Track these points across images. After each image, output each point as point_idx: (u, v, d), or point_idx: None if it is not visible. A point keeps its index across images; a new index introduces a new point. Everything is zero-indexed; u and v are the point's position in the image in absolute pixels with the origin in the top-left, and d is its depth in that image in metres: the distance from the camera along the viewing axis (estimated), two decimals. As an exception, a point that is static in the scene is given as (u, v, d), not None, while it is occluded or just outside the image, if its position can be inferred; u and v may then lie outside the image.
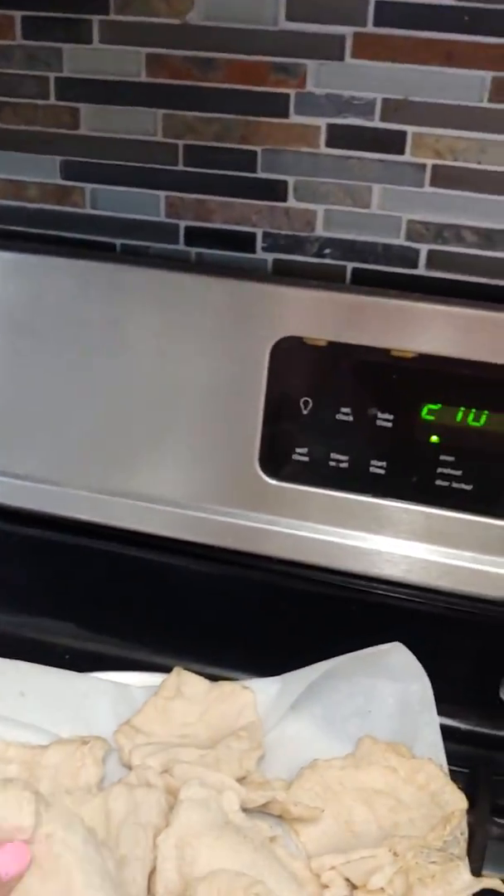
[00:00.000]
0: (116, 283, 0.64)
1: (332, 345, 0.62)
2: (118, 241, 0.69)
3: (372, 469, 0.64)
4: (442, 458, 0.62)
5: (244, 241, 0.67)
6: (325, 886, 0.52)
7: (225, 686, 0.65)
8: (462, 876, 0.51)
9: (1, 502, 0.72)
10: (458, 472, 0.62)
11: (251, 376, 0.63)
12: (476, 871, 0.52)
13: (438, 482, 0.62)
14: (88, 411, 0.67)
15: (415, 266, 0.64)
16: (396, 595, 0.66)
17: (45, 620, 0.72)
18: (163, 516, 0.68)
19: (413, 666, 0.61)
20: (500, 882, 0.51)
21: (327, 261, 0.66)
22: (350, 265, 0.65)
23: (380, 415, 0.63)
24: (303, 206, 0.65)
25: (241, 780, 0.57)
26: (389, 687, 0.62)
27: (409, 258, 0.64)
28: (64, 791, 0.55)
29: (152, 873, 0.50)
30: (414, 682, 0.61)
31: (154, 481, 0.68)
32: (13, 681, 0.63)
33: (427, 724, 0.60)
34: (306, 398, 0.63)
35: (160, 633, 0.70)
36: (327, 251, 0.65)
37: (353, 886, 0.52)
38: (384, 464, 0.63)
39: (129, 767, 0.58)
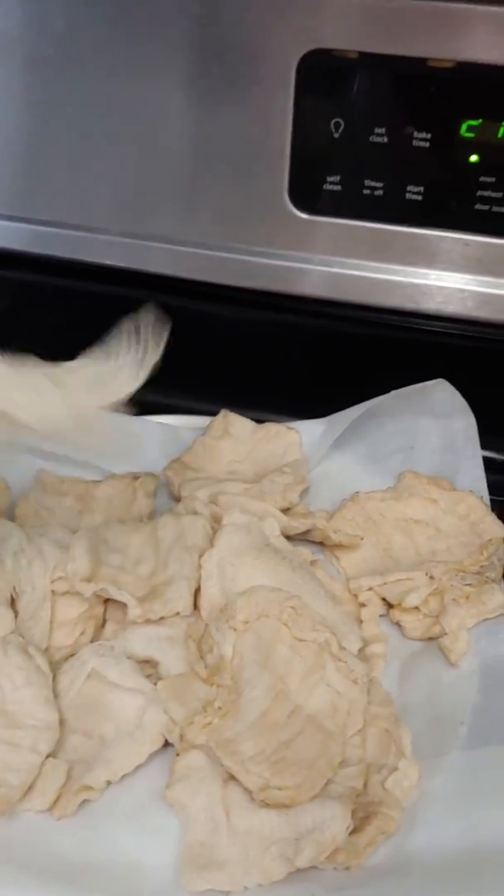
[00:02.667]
0: (126, 4, 0.58)
1: (364, 56, 0.56)
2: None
3: (408, 195, 0.59)
4: (482, 179, 0.57)
5: None
6: (362, 605, 0.55)
7: (271, 427, 0.66)
8: (496, 596, 0.53)
9: (27, 250, 0.70)
10: (499, 195, 0.57)
11: (277, 98, 0.58)
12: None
13: (478, 206, 0.58)
14: (109, 150, 0.63)
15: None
16: (438, 329, 0.64)
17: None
18: (192, 259, 0.66)
19: (457, 402, 0.61)
20: (532, 602, 0.53)
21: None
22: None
23: (416, 134, 0.57)
24: None
25: (285, 511, 0.59)
26: (433, 424, 0.62)
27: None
28: (117, 521, 0.59)
29: (198, 591, 0.53)
30: (458, 418, 0.61)
31: (181, 223, 0.65)
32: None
33: (469, 459, 0.60)
34: (337, 119, 0.58)
35: (203, 381, 0.70)
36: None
37: (389, 606, 0.55)
38: (421, 189, 0.59)
39: (179, 500, 0.61)
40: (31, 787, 0.44)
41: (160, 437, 0.66)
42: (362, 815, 0.43)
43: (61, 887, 0.41)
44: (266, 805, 0.43)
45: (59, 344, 0.72)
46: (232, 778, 0.44)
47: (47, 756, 0.45)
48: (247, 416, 0.66)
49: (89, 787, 0.45)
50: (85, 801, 0.45)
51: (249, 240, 0.66)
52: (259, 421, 0.66)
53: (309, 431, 0.65)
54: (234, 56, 0.59)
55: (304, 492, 0.62)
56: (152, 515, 0.61)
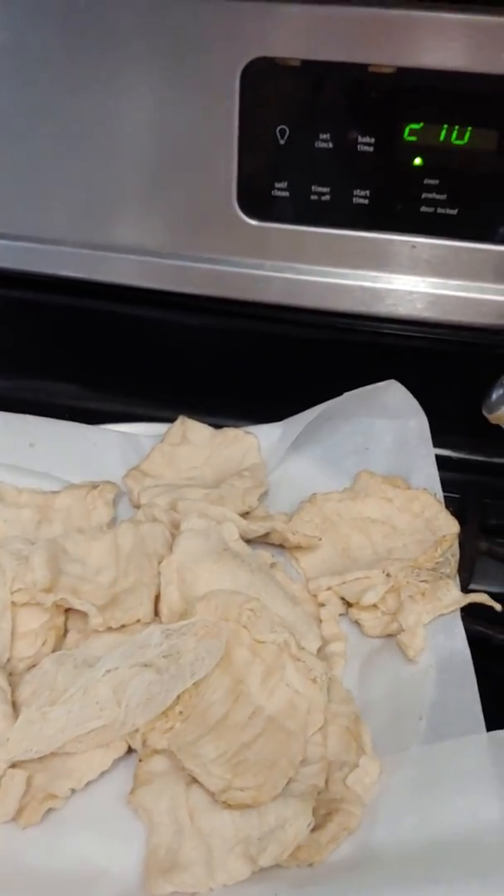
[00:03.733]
0: (72, 15, 0.59)
1: (306, 63, 0.57)
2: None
3: (355, 200, 0.60)
4: (426, 181, 0.59)
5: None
6: (322, 605, 0.56)
7: (229, 432, 0.66)
8: (451, 592, 0.54)
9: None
10: (443, 197, 0.59)
11: (222, 107, 0.59)
12: (464, 585, 0.56)
13: (424, 209, 0.59)
14: (52, 159, 0.64)
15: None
16: (387, 331, 0.65)
17: (44, 383, 0.74)
18: (145, 268, 0.66)
19: (409, 402, 0.62)
20: (486, 596, 0.54)
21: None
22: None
23: (360, 139, 0.58)
24: None
25: (244, 515, 0.60)
26: (387, 424, 0.64)
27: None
28: (76, 530, 0.59)
29: (158, 598, 0.53)
30: (411, 418, 0.62)
31: (131, 232, 0.65)
32: (23, 433, 0.66)
33: (423, 458, 0.61)
34: (282, 126, 0.59)
35: (160, 388, 0.71)
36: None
37: (348, 605, 0.56)
38: (367, 192, 0.60)
39: (139, 508, 0.61)
40: None
41: (119, 445, 0.67)
42: (324, 812, 0.44)
43: (28, 896, 0.41)
44: (228, 806, 0.43)
45: (13, 356, 0.73)
46: (194, 781, 0.44)
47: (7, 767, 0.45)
48: (204, 422, 0.67)
49: (54, 796, 0.45)
50: (50, 810, 0.45)
51: (202, 247, 0.66)
52: (217, 426, 0.67)
53: (266, 435, 0.66)
54: (181, 66, 0.60)
55: (264, 495, 0.62)
56: (112, 524, 0.61)
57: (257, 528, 0.58)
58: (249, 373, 0.71)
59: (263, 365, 0.71)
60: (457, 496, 0.61)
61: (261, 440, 0.65)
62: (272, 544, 0.60)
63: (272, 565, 0.57)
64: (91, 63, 0.61)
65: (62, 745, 0.46)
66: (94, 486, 0.63)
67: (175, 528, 0.57)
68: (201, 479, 0.65)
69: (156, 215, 0.66)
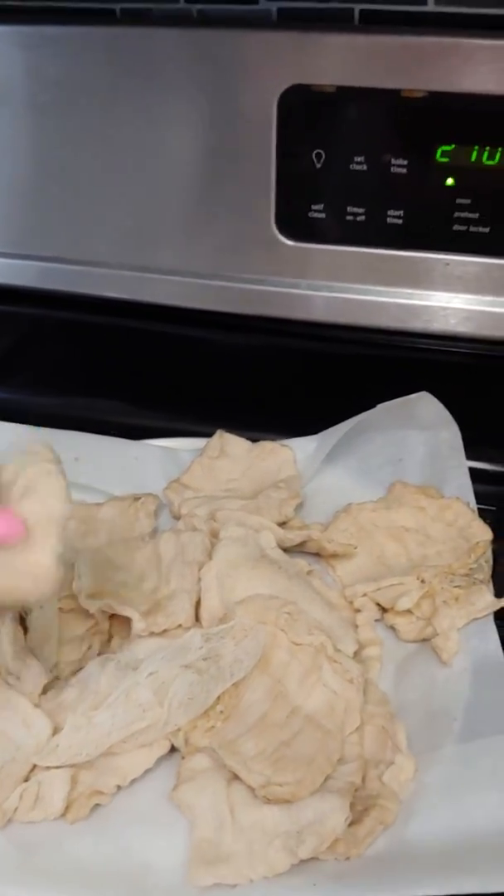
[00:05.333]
0: (117, 48, 0.62)
1: (341, 90, 0.59)
2: (117, 7, 0.66)
3: (389, 220, 0.62)
4: (458, 201, 0.60)
5: (246, -9, 0.63)
6: (358, 610, 0.57)
7: (265, 445, 0.68)
8: (484, 597, 0.55)
9: (32, 286, 0.73)
10: (475, 216, 0.60)
11: (260, 132, 0.61)
12: (499, 594, 0.57)
13: (456, 227, 0.61)
14: (100, 186, 0.67)
15: (423, 2, 0.60)
16: (422, 346, 0.67)
17: (90, 400, 0.76)
18: (188, 288, 0.69)
19: (441, 414, 0.63)
20: (519, 601, 0.55)
21: (333, 4, 0.62)
22: (357, 7, 0.61)
23: (394, 161, 0.61)
24: None
25: (281, 524, 0.62)
26: (420, 436, 0.65)
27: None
28: (119, 540, 0.61)
29: (198, 603, 0.55)
30: (443, 429, 0.64)
31: (177, 255, 0.68)
32: (68, 448, 0.67)
33: (456, 468, 0.63)
34: (318, 150, 0.62)
35: (200, 404, 0.73)
36: (333, -7, 0.62)
37: (384, 610, 0.57)
38: (401, 213, 0.62)
39: (179, 519, 0.64)
40: (37, 798, 0.46)
41: (160, 459, 0.69)
42: (361, 808, 0.45)
43: (76, 888, 0.43)
44: (268, 801, 0.44)
45: (61, 375, 0.76)
46: (235, 777, 0.46)
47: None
48: (242, 436, 0.69)
49: (100, 792, 0.47)
50: (97, 805, 0.47)
51: (241, 268, 0.69)
52: (254, 440, 0.69)
53: (302, 448, 0.68)
54: (221, 95, 0.63)
55: (299, 506, 0.64)
56: (154, 534, 0.63)
57: (294, 536, 0.60)
58: (286, 388, 0.73)
59: (300, 380, 0.73)
60: (493, 508, 0.62)
61: (296, 452, 0.67)
62: (309, 553, 0.62)
63: (309, 572, 0.59)
64: (135, 94, 0.64)
65: (110, 747, 0.48)
66: (137, 497, 0.65)
67: (214, 536, 0.59)
68: (239, 491, 0.67)
69: (198, 238, 0.68)
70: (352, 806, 0.44)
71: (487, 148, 0.59)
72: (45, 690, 0.51)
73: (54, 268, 0.72)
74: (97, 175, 0.67)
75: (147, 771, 0.48)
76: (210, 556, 0.57)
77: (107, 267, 0.71)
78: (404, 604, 0.55)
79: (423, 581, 0.56)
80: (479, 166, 0.60)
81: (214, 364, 0.74)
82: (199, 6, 0.64)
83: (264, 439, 0.69)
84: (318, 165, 0.63)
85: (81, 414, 0.74)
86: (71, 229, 0.71)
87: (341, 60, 0.59)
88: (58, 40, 0.63)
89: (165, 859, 0.45)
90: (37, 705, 0.50)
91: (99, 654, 0.54)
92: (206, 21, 0.65)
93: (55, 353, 0.78)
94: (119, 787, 0.48)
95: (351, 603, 0.58)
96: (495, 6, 0.59)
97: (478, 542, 0.58)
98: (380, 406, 0.63)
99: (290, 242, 0.66)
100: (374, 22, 0.62)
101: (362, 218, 0.63)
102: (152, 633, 0.54)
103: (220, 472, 0.68)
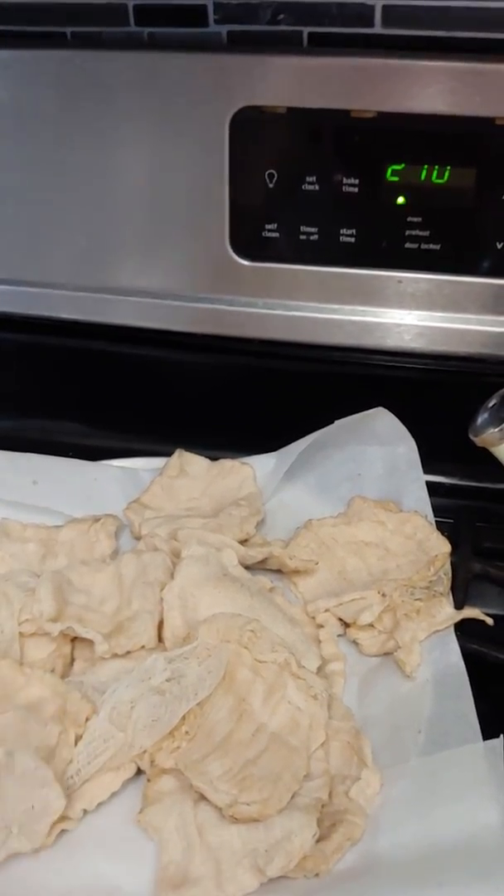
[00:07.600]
0: (69, 72, 0.62)
1: (292, 111, 0.60)
2: (68, 30, 0.66)
3: (342, 238, 0.63)
4: (409, 219, 0.62)
5: (196, 15, 0.63)
6: (320, 626, 0.57)
7: (225, 463, 0.69)
8: (445, 609, 0.56)
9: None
10: (426, 233, 0.62)
11: (213, 153, 0.62)
12: (459, 607, 0.57)
13: (408, 245, 0.62)
14: (54, 208, 0.67)
15: (371, 24, 0.62)
16: (377, 363, 0.68)
17: (47, 422, 0.76)
18: (143, 308, 0.69)
19: (398, 429, 0.64)
20: (478, 611, 0.56)
21: (283, 27, 0.63)
22: (306, 29, 0.63)
23: (345, 180, 0.62)
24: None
25: (242, 542, 0.62)
26: (377, 451, 0.66)
27: (365, 16, 0.61)
28: (80, 562, 0.61)
29: (161, 624, 0.55)
30: (400, 444, 0.65)
31: (129, 275, 0.69)
32: (26, 471, 0.68)
33: (413, 482, 0.64)
34: (271, 171, 0.62)
35: (158, 424, 0.73)
36: (281, 16, 0.62)
37: (346, 625, 0.58)
38: (353, 231, 0.63)
39: (140, 539, 0.63)
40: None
41: (119, 480, 0.69)
42: (329, 824, 0.45)
43: (43, 916, 0.42)
44: (235, 820, 0.44)
45: (17, 397, 0.75)
46: (202, 798, 0.46)
47: None
48: (201, 455, 0.69)
49: (67, 818, 0.46)
50: (63, 831, 0.46)
51: (198, 288, 0.69)
52: (213, 458, 0.69)
53: (261, 465, 0.68)
54: (172, 117, 0.63)
55: (260, 523, 0.64)
56: (115, 555, 0.63)
57: (255, 553, 0.60)
58: (244, 406, 0.73)
59: (258, 398, 0.73)
60: (450, 521, 0.63)
61: (256, 470, 0.68)
62: (270, 570, 0.62)
63: (271, 589, 0.59)
64: (88, 117, 0.64)
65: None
66: (97, 519, 0.64)
67: (176, 556, 0.59)
68: (200, 510, 0.67)
69: (153, 259, 0.69)
70: (319, 822, 0.45)
71: (436, 167, 0.60)
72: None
73: (9, 290, 0.72)
74: (51, 197, 0.67)
75: (113, 794, 0.48)
76: (172, 576, 0.57)
77: (62, 288, 0.71)
78: (366, 618, 0.56)
79: (383, 595, 0.57)
80: (428, 185, 0.61)
81: (172, 383, 0.74)
82: (149, 29, 0.65)
83: (224, 457, 0.69)
84: (271, 186, 0.63)
85: (39, 436, 0.74)
86: (26, 251, 0.71)
87: (291, 82, 0.60)
88: (9, 64, 0.64)
89: (134, 883, 0.44)
90: None
91: (62, 678, 0.54)
92: (156, 44, 0.65)
93: (11, 376, 0.77)
94: (85, 812, 0.47)
95: (313, 618, 0.58)
96: (441, 28, 0.60)
97: (437, 555, 0.59)
98: (337, 422, 0.64)
99: (245, 262, 0.66)
100: (323, 44, 0.63)
101: (315, 237, 0.64)
102: (115, 655, 0.53)
103: (180, 492, 0.68)
